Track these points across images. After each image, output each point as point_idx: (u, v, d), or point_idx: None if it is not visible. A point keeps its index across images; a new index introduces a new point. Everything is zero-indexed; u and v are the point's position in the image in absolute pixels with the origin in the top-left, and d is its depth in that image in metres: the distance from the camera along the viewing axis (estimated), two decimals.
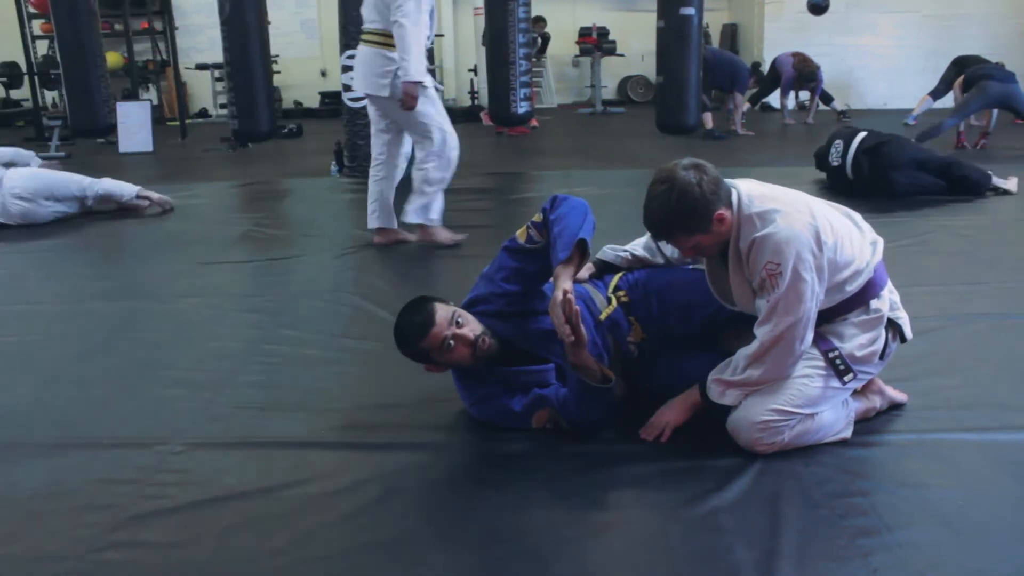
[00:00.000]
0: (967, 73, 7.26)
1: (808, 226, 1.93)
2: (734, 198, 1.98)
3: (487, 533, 1.76)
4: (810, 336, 1.98)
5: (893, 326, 2.12)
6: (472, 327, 2.13)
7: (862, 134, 5.18)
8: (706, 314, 2.24)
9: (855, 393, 2.16)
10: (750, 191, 2.00)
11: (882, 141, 5.09)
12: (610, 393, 2.09)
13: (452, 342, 2.09)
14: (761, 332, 1.97)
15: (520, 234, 2.26)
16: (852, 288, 2.02)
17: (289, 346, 2.87)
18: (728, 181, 2.02)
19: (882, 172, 4.98)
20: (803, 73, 9.30)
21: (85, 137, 8.56)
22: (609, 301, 2.31)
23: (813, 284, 1.92)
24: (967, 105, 7.10)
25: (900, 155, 5.02)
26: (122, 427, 2.29)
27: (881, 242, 2.13)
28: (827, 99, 9.83)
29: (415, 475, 2.01)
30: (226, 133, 7.95)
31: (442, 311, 2.11)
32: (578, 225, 2.13)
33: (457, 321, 2.11)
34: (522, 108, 7.68)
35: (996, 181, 5.19)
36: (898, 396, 2.27)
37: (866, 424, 2.17)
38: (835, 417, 2.06)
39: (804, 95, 10.34)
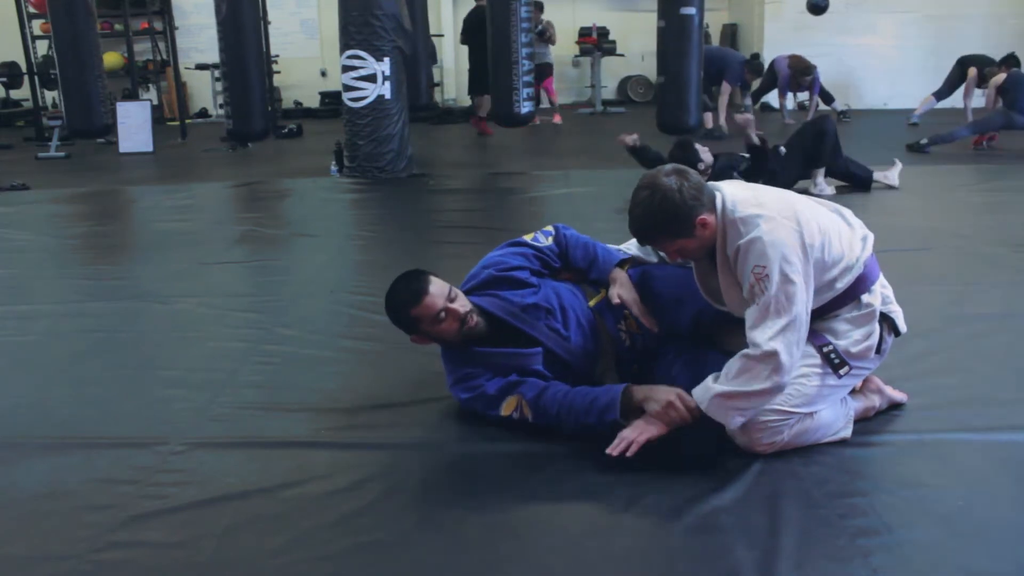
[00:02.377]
0: (1007, 80, 7.27)
1: (792, 231, 1.92)
2: (718, 202, 1.99)
3: (487, 533, 1.76)
4: (803, 342, 1.94)
5: (887, 320, 2.12)
6: (462, 303, 2.19)
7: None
8: (695, 309, 2.24)
9: (854, 393, 2.16)
10: (734, 195, 2.00)
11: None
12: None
13: (443, 314, 2.15)
14: (757, 336, 1.93)
15: (528, 237, 2.44)
16: (842, 284, 2.02)
17: (289, 346, 2.87)
18: (712, 185, 2.04)
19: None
20: (798, 69, 9.24)
21: (81, 137, 8.56)
22: (598, 291, 2.35)
23: (801, 287, 1.91)
24: (990, 123, 7.19)
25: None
26: (122, 427, 2.29)
27: (871, 236, 2.13)
28: (828, 99, 9.81)
29: (415, 475, 2.01)
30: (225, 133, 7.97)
31: (437, 283, 2.20)
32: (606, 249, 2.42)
33: (450, 295, 2.18)
34: (525, 108, 7.67)
35: (877, 176, 5.37)
36: (898, 396, 2.27)
37: (866, 424, 2.17)
38: (834, 416, 2.06)
39: (804, 96, 10.32)
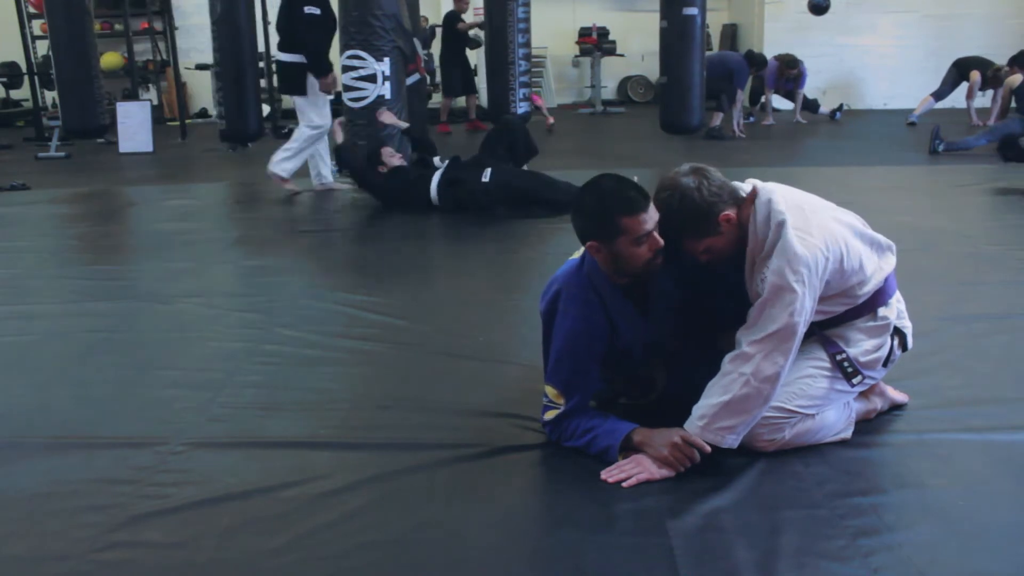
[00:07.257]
0: (1020, 90, 7.23)
1: (812, 240, 1.91)
2: (758, 205, 1.96)
3: (487, 533, 1.76)
4: (791, 352, 1.93)
5: (898, 333, 2.12)
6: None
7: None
8: (710, 305, 2.21)
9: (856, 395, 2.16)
10: (771, 196, 1.98)
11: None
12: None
13: (644, 239, 1.95)
14: (744, 337, 1.92)
15: None
16: (863, 294, 2.02)
17: (289, 346, 2.87)
18: (748, 183, 2.03)
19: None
20: (784, 61, 9.25)
21: (78, 137, 8.55)
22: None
23: (802, 298, 1.89)
24: (1007, 130, 7.08)
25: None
26: (122, 427, 2.29)
27: (894, 247, 2.13)
28: (814, 107, 9.81)
29: (415, 475, 2.00)
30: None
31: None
32: None
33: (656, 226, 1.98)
34: (521, 108, 7.68)
35: None
36: (899, 397, 2.27)
37: (867, 424, 2.17)
38: (837, 417, 2.06)
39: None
